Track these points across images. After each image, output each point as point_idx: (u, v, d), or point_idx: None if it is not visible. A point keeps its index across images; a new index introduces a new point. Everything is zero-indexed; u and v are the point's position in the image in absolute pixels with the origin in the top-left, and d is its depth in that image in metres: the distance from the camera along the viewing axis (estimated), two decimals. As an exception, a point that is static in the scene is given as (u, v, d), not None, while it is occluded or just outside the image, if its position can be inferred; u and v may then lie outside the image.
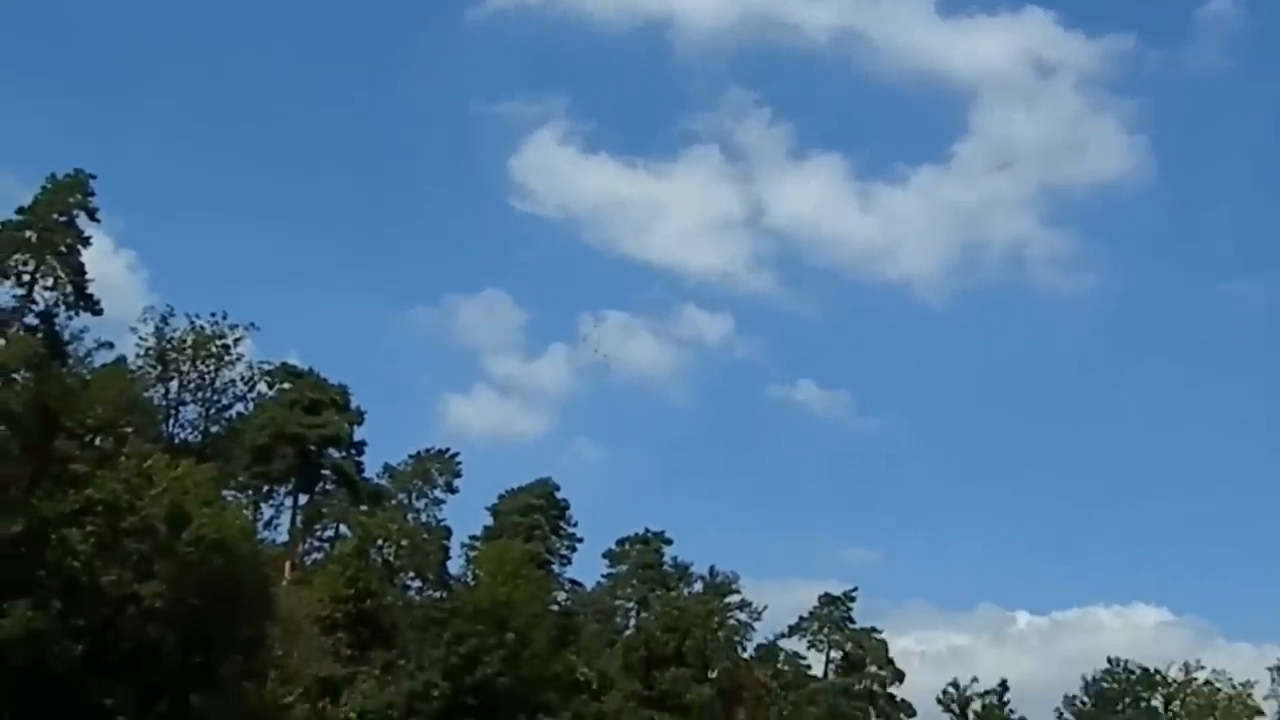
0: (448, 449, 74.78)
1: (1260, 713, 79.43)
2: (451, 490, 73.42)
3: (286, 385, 67.39)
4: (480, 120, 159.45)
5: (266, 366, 59.79)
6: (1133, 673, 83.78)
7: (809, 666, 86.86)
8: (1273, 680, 78.74)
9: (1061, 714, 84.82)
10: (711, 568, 78.59)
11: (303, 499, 68.65)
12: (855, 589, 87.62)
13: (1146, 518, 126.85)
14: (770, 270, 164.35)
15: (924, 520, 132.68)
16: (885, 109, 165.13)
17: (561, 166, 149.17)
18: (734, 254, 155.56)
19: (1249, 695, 79.67)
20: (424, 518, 71.88)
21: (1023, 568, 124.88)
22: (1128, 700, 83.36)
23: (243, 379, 54.83)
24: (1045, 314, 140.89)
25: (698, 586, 78.34)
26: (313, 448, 66.91)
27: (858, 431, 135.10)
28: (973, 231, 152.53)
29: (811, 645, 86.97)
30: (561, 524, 78.18)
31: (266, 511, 66.66)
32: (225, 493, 50.76)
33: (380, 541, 61.26)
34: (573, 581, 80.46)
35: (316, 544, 69.66)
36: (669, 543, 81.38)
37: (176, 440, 51.16)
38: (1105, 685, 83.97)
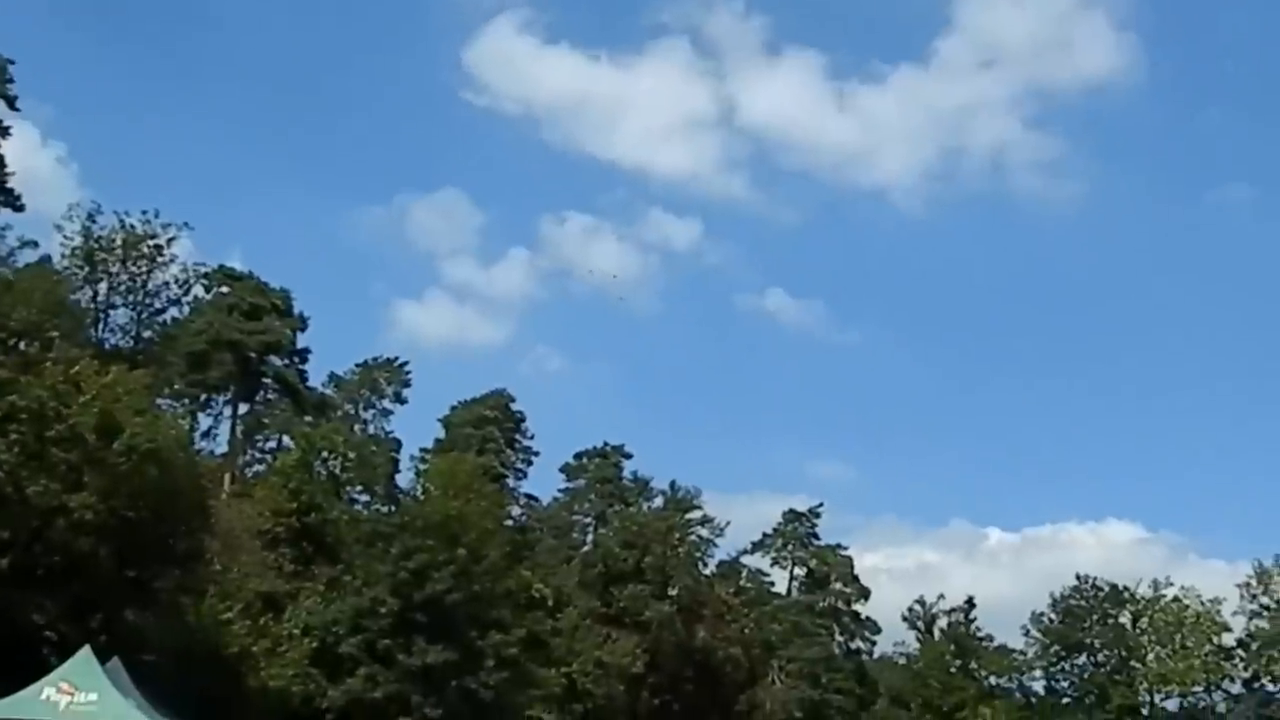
0: (397, 358, 74.72)
1: (1228, 629, 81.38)
2: (401, 401, 73.57)
3: (225, 289, 66.55)
4: (431, 6, 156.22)
5: (203, 269, 58.83)
6: (1101, 590, 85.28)
7: (772, 584, 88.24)
8: (1241, 597, 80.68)
9: (1029, 631, 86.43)
10: (673, 482, 79.07)
11: (242, 408, 68.19)
12: (821, 505, 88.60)
13: (1123, 433, 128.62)
14: (741, 173, 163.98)
15: (897, 435, 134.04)
16: (865, 2, 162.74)
17: (520, 58, 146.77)
18: (704, 155, 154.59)
19: (1217, 612, 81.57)
20: (372, 429, 72.03)
21: (996, 484, 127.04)
22: (1095, 617, 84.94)
23: (177, 281, 53.68)
24: (1026, 222, 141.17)
25: (658, 502, 78.80)
26: (253, 355, 66.34)
27: (830, 342, 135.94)
28: (953, 135, 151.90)
29: (775, 562, 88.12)
30: (517, 436, 78.32)
31: (204, 421, 66.39)
32: (159, 401, 50.15)
33: (325, 453, 60.99)
34: (528, 496, 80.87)
35: (257, 455, 69.49)
36: (629, 456, 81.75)
37: (106, 345, 50.12)
38: (1073, 602, 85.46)
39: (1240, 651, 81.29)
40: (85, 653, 28.73)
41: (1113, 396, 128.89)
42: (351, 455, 62.59)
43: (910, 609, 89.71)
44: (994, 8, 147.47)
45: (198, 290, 58.89)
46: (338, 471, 61.89)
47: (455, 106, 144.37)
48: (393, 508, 61.29)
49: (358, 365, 73.74)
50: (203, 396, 65.73)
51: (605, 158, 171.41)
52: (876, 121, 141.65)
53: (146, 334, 53.42)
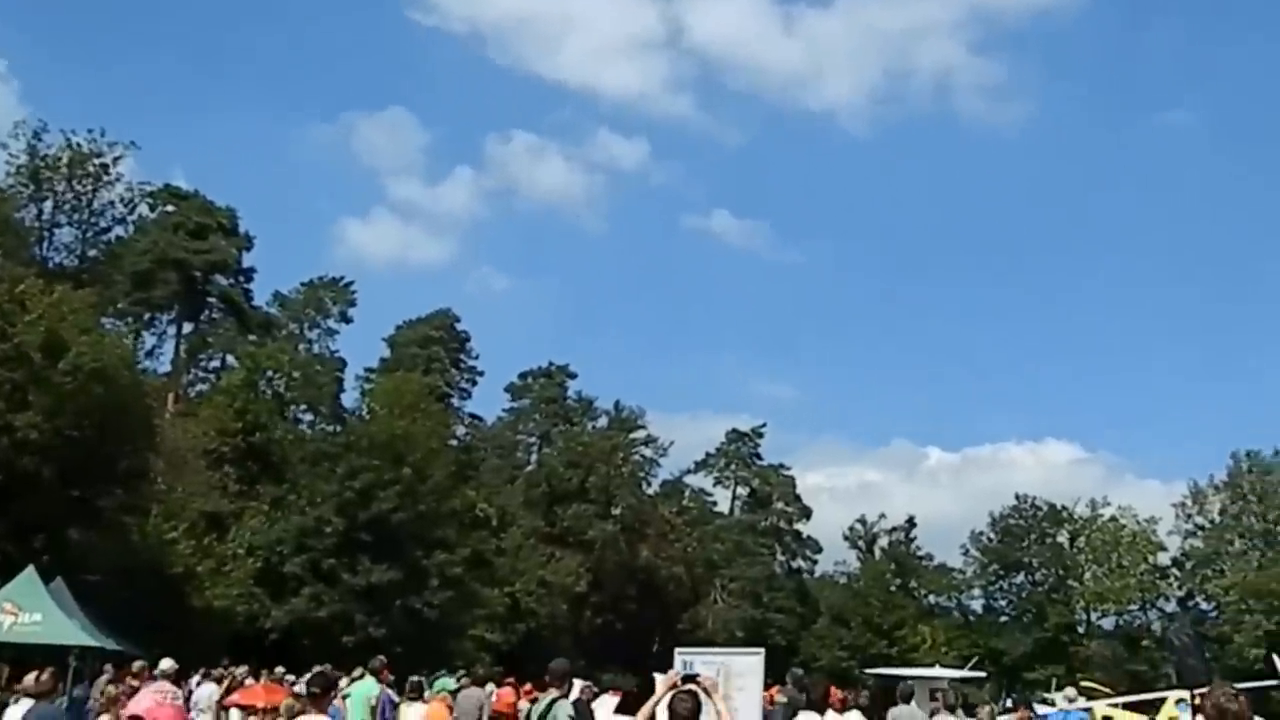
0: (342, 277, 74.97)
1: (1163, 548, 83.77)
2: (346, 320, 73.92)
3: (170, 208, 66.56)
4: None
5: (148, 188, 58.84)
6: (1039, 510, 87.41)
7: (715, 503, 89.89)
8: (1176, 517, 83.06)
9: (968, 550, 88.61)
10: (617, 402, 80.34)
11: (187, 327, 68.47)
12: (764, 425, 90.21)
13: (1062, 354, 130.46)
14: (688, 93, 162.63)
15: (839, 355, 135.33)
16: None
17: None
18: (651, 75, 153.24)
19: (1152, 532, 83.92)
20: (317, 348, 72.41)
21: (937, 404, 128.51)
22: (1034, 537, 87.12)
23: (122, 200, 53.79)
24: (971, 145, 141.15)
25: (602, 421, 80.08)
26: (198, 274, 66.50)
27: (775, 264, 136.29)
28: (899, 59, 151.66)
29: (718, 482, 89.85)
30: (462, 356, 79.12)
31: (149, 340, 66.48)
32: (104, 320, 50.40)
33: (270, 372, 61.60)
34: (473, 416, 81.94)
35: (202, 375, 69.85)
36: (573, 376, 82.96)
37: (51, 264, 50.36)
38: (1012, 522, 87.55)
39: (1175, 570, 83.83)
40: (29, 573, 29.07)
41: (1053, 319, 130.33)
42: (296, 375, 63.17)
43: (851, 528, 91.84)
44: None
45: (143, 209, 59.17)
46: (283, 391, 62.47)
47: (402, 25, 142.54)
48: (338, 427, 62.03)
49: (303, 284, 73.99)
50: (147, 315, 65.84)
51: (552, 77, 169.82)
52: (823, 44, 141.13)
53: (91, 253, 53.65)
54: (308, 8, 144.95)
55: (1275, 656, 58.08)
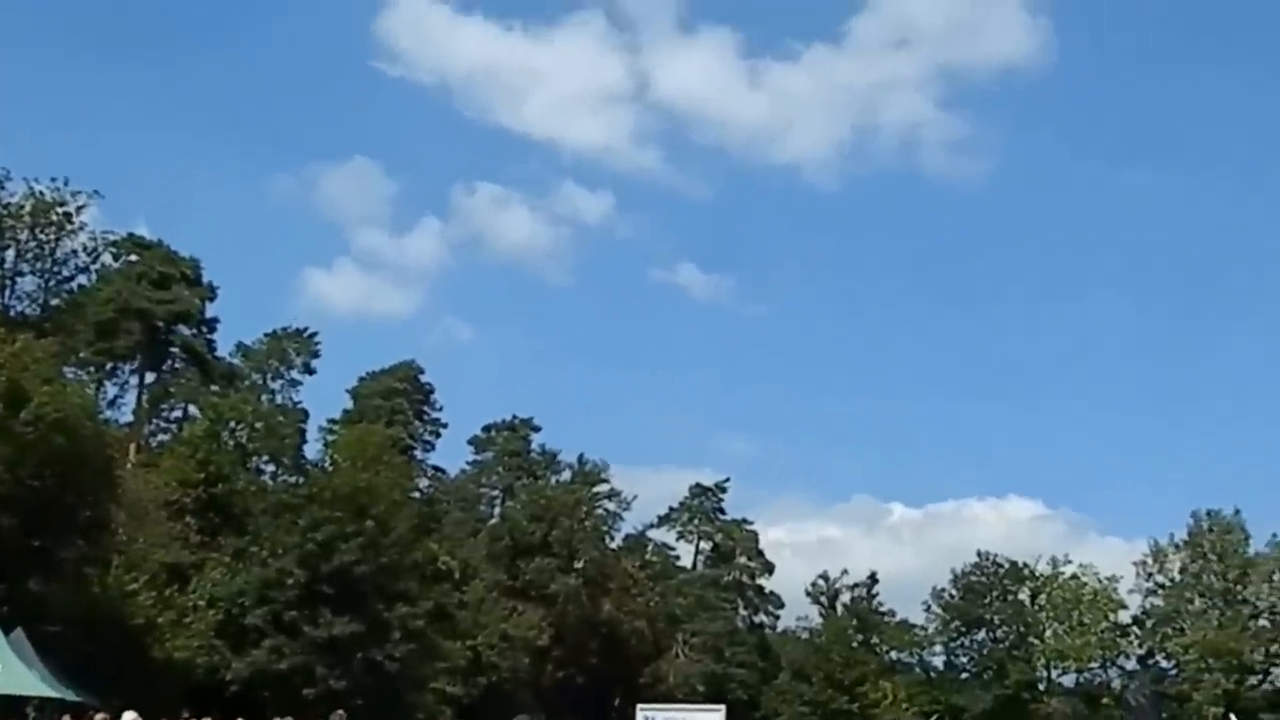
0: (306, 328, 74.95)
1: (1124, 606, 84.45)
2: (309, 371, 73.83)
3: (133, 257, 66.50)
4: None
5: (111, 236, 58.86)
6: (1001, 567, 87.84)
7: (678, 557, 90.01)
8: (1137, 575, 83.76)
9: (930, 606, 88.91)
10: (580, 456, 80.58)
11: (149, 377, 68.17)
12: (727, 479, 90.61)
13: (1025, 411, 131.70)
14: (655, 147, 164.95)
15: (804, 410, 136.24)
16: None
17: (432, 27, 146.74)
18: (617, 128, 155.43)
19: (1113, 590, 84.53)
20: (280, 399, 72.26)
21: (900, 460, 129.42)
22: (995, 594, 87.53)
23: (85, 249, 53.75)
24: (936, 201, 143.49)
25: (566, 475, 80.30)
26: (161, 324, 66.32)
27: (740, 317, 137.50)
28: (865, 114, 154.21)
29: (681, 536, 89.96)
30: (425, 408, 79.21)
31: (110, 390, 66.03)
32: (66, 369, 50.17)
33: (232, 423, 61.40)
34: (436, 468, 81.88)
35: (164, 425, 69.54)
36: (537, 429, 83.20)
37: (13, 313, 50.29)
38: (974, 579, 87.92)
39: (1135, 629, 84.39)
40: (-11, 623, 29.21)
41: (1016, 375, 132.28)
42: (259, 425, 62.99)
43: (814, 584, 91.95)
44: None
45: (106, 258, 58.94)
46: (245, 442, 62.24)
47: (366, 75, 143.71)
48: (300, 479, 61.84)
49: (266, 335, 73.88)
50: (109, 365, 65.56)
51: (518, 129, 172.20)
52: (789, 99, 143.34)
53: (54, 302, 53.48)
54: (273, 57, 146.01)
55: (1233, 716, 59.12)
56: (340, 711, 26.80)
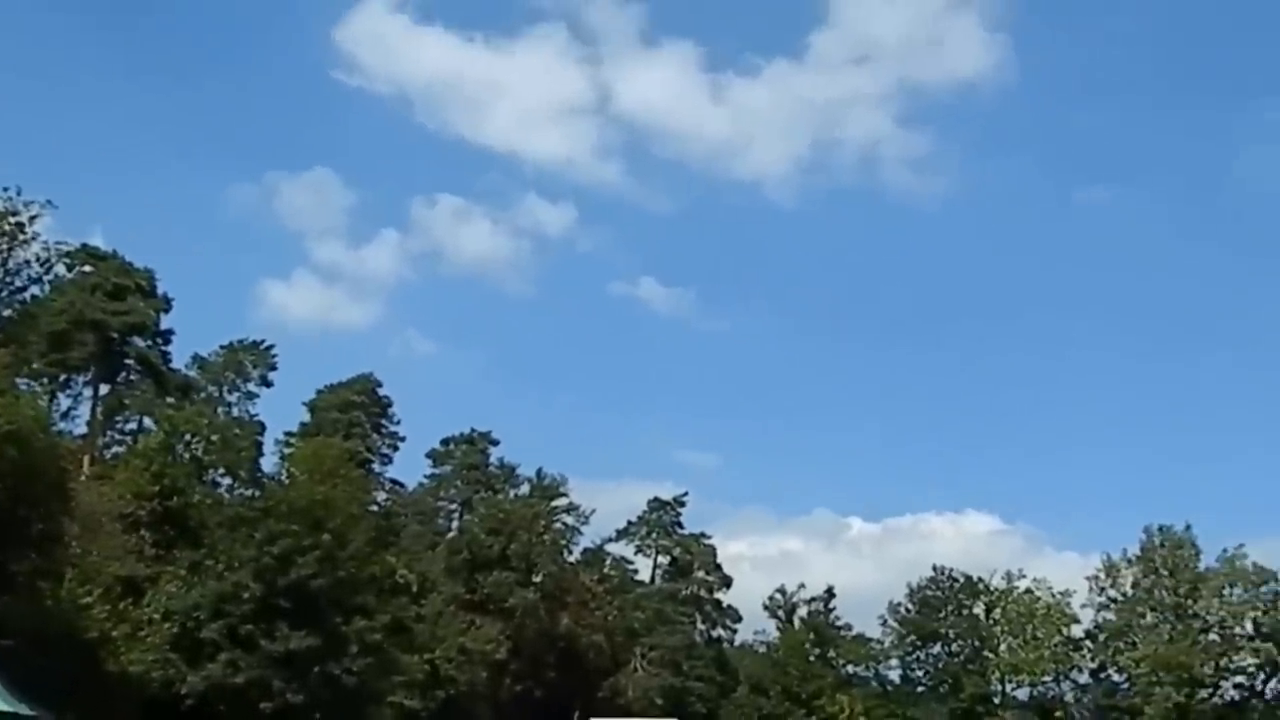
0: (263, 340, 74.57)
1: (1077, 620, 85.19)
2: (266, 384, 73.39)
3: (88, 268, 65.99)
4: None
5: (65, 247, 58.36)
6: (957, 581, 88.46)
7: (636, 571, 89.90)
8: (1090, 590, 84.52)
9: (886, 621, 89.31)
10: (539, 470, 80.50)
11: (104, 389, 67.59)
12: (685, 494, 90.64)
13: (983, 426, 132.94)
14: (616, 160, 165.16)
15: (765, 424, 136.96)
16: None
17: (392, 38, 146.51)
18: (578, 141, 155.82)
19: (1067, 604, 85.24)
20: (236, 412, 71.76)
21: (860, 474, 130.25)
22: (951, 608, 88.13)
23: (38, 260, 53.23)
24: (896, 217, 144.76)
25: (524, 489, 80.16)
26: (115, 335, 65.78)
27: (701, 332, 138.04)
28: (826, 129, 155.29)
29: (639, 550, 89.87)
30: (383, 421, 78.88)
31: (64, 401, 65.44)
32: (19, 381, 49.87)
33: (188, 436, 61.01)
34: (394, 481, 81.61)
35: (118, 437, 68.95)
36: (495, 443, 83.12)
37: (-35, 324, 50.01)
38: (930, 593, 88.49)
39: (1088, 642, 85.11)
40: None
41: (975, 390, 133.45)
42: (215, 438, 62.57)
43: (771, 598, 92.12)
44: (868, 4, 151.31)
45: (59, 269, 58.55)
46: (201, 454, 61.81)
47: (326, 86, 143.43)
48: (257, 492, 61.47)
49: (222, 347, 73.43)
50: (63, 377, 64.93)
51: (479, 141, 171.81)
52: (750, 114, 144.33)
53: (6, 313, 53.03)
54: (231, 66, 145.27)
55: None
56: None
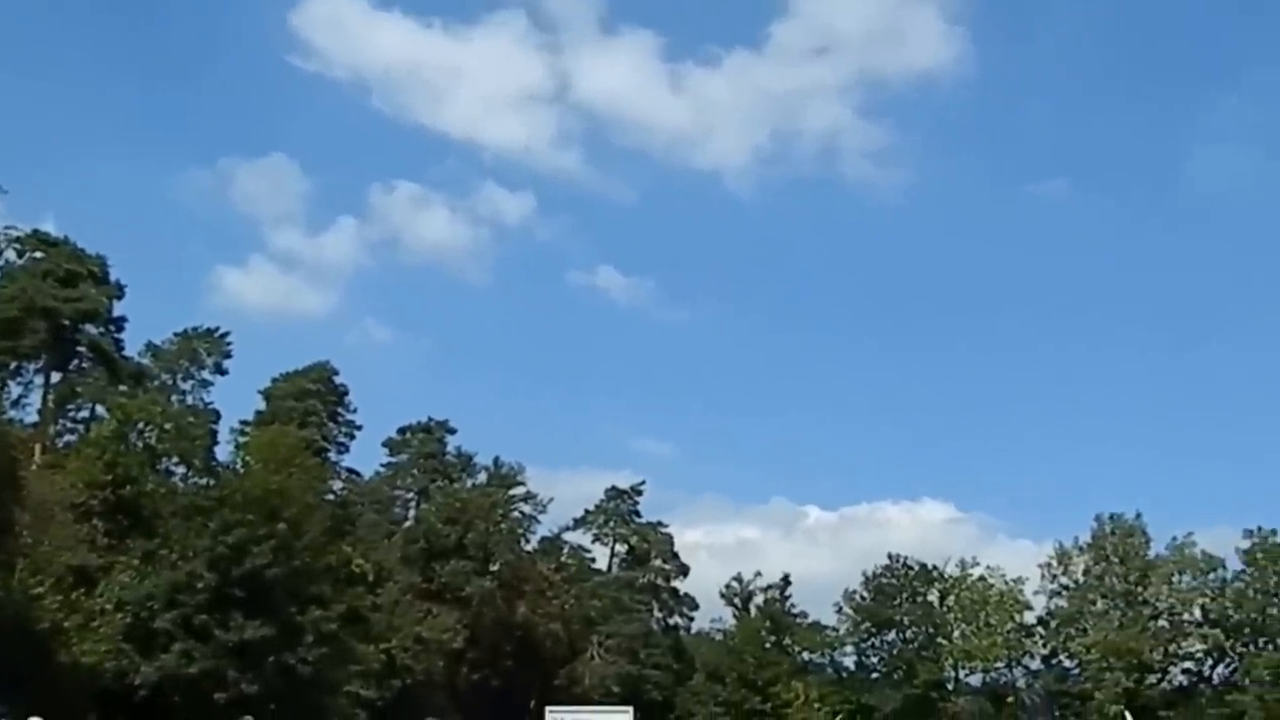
0: (217, 328, 73.93)
1: (1029, 607, 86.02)
2: (221, 371, 72.87)
3: (39, 254, 65.32)
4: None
5: (16, 233, 57.78)
6: (911, 569, 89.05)
7: (593, 560, 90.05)
8: (1043, 577, 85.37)
9: (841, 608, 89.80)
10: (496, 459, 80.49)
11: (55, 377, 66.91)
12: (643, 482, 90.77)
13: (940, 415, 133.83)
14: (576, 149, 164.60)
15: (723, 413, 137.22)
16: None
17: (349, 23, 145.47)
18: (538, 129, 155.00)
19: (1019, 591, 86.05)
20: (190, 400, 71.22)
21: (817, 463, 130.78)
22: (905, 595, 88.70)
23: (-12, 246, 52.89)
24: (855, 208, 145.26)
25: (481, 478, 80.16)
26: (67, 322, 65.14)
27: (659, 321, 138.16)
28: (786, 120, 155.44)
29: (597, 539, 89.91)
30: (339, 410, 78.46)
31: (15, 389, 64.76)
32: (-31, 369, 49.43)
33: (141, 424, 60.49)
34: (350, 470, 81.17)
35: (70, 425, 68.27)
36: (453, 432, 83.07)
37: (-87, 310, 49.35)
38: (885, 580, 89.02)
39: (1040, 629, 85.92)
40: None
41: (933, 380, 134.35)
42: (169, 426, 62.11)
43: (728, 586, 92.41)
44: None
45: (10, 255, 58.09)
46: (154, 443, 61.35)
47: (282, 71, 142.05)
48: (211, 481, 61.06)
49: (176, 334, 72.80)
50: (14, 364, 64.31)
51: (437, 128, 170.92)
52: (710, 104, 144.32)
53: (-45, 300, 52.46)
54: (184, 50, 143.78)
55: (1127, 713, 60.51)
56: (248, 717, 26.48)
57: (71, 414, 69.03)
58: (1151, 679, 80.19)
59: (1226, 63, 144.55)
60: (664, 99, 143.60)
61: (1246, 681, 77.48)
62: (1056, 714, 76.88)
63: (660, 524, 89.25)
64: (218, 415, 69.98)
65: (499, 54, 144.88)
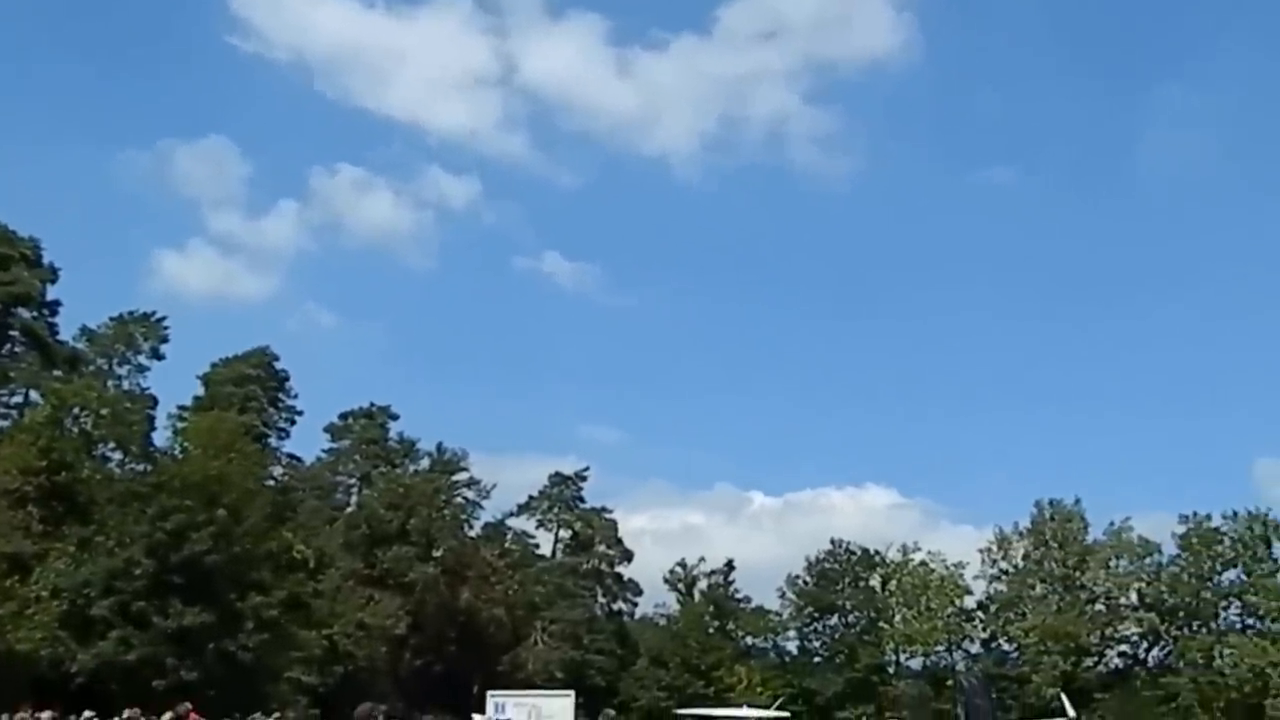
0: (154, 312, 72.87)
1: (969, 592, 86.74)
2: (158, 356, 71.87)
3: (-31, 237, 64.17)
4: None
5: (-55, 215, 56.68)
6: (853, 554, 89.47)
7: (537, 546, 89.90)
8: (983, 562, 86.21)
9: (784, 593, 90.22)
10: (439, 444, 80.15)
11: (-12, 362, 65.82)
12: (587, 468, 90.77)
13: (885, 400, 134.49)
14: (521, 133, 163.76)
15: (669, 399, 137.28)
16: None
17: (290, 2, 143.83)
18: (483, 113, 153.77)
19: (960, 576, 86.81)
20: (126, 385, 70.26)
21: (763, 448, 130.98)
22: (847, 580, 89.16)
23: (-83, 229, 51.88)
24: (803, 194, 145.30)
25: (424, 463, 79.77)
26: (-1, 306, 64.15)
27: (605, 307, 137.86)
28: (733, 105, 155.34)
29: (541, 524, 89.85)
30: (280, 395, 77.81)
31: (-55, 375, 63.77)
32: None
33: (76, 409, 59.75)
34: (291, 456, 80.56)
35: (3, 411, 67.05)
36: (395, 417, 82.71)
37: None
38: (827, 565, 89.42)
39: (980, 613, 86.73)
40: None
41: (879, 366, 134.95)
42: (105, 412, 61.36)
43: (672, 571, 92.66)
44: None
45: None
46: (90, 428, 60.63)
47: (221, 51, 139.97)
48: (149, 467, 60.39)
49: (111, 319, 71.73)
50: (-56, 348, 63.29)
51: (381, 111, 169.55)
52: (657, 89, 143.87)
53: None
54: (122, 29, 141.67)
55: (1063, 695, 61.26)
56: (186, 704, 26.17)
57: (4, 399, 67.78)
58: (1088, 662, 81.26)
59: (1175, 48, 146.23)
60: (611, 83, 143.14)
61: (1180, 664, 78.70)
62: (994, 696, 77.62)
63: (604, 510, 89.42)
64: (155, 401, 69.16)
65: (443, 36, 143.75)
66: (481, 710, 52.80)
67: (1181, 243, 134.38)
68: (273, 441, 77.10)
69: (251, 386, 75.00)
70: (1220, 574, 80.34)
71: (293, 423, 79.42)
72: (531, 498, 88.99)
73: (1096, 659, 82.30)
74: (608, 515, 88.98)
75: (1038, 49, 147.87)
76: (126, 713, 23.00)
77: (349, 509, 79.08)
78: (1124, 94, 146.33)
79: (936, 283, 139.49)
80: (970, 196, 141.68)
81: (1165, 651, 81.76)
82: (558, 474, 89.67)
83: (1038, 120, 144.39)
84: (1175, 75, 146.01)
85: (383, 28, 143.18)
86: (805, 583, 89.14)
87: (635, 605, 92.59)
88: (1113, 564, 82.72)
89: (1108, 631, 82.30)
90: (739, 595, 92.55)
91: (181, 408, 71.38)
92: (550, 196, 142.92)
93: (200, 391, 74.03)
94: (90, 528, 51.52)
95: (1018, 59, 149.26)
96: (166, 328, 72.18)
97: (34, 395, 64.39)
